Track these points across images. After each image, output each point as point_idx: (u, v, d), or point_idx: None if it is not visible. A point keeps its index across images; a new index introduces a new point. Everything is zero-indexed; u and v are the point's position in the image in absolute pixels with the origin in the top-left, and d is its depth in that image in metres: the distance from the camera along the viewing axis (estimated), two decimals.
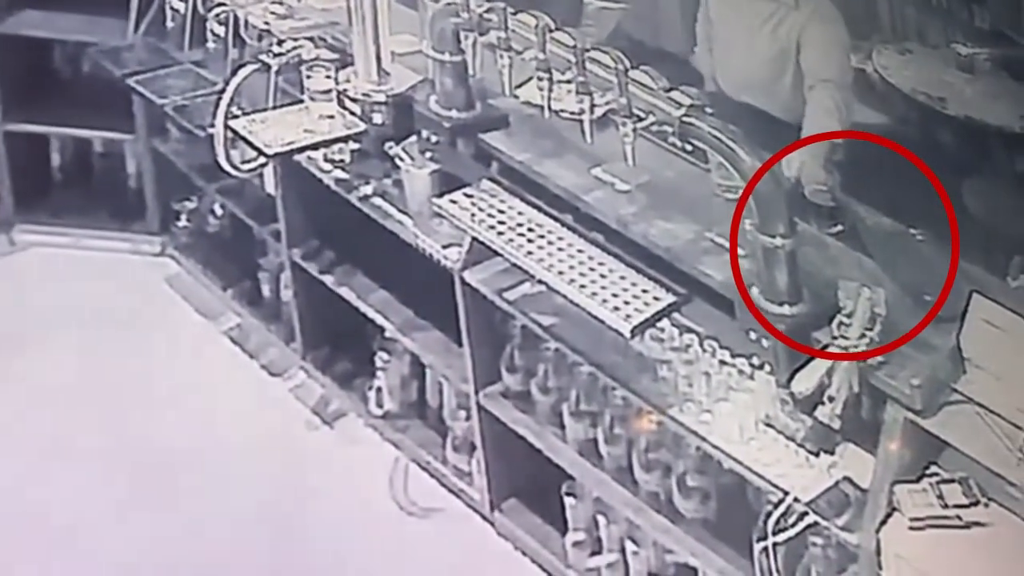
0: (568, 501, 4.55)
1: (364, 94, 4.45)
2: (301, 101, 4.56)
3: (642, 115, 3.65)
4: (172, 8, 5.30)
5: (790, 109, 3.93)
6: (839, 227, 3.74)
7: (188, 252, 6.23)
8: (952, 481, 3.41)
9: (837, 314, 3.37)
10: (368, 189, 4.78)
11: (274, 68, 4.66)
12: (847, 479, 3.55)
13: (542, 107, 3.95)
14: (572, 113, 3.97)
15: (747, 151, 3.40)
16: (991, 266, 3.44)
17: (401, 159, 4.51)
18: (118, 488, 5.03)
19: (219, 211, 6.08)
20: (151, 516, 4.91)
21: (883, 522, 3.44)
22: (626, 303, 3.76)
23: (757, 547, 3.72)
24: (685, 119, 3.51)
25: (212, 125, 4.66)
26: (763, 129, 3.84)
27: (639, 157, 3.74)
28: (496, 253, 4.11)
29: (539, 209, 4.12)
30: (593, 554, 4.55)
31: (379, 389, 5.19)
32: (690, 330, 3.96)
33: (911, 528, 3.38)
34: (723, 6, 4.09)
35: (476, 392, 4.64)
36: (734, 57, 4.09)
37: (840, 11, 3.81)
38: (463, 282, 4.44)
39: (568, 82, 3.84)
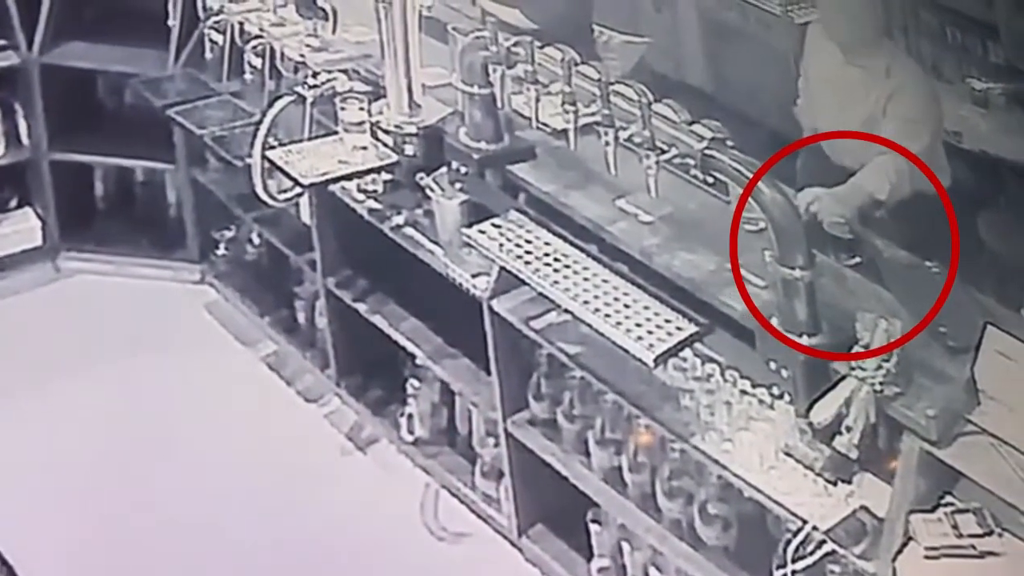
0: (593, 528, 4.59)
1: (396, 126, 4.50)
2: (335, 132, 4.61)
3: (665, 148, 3.71)
4: (211, 40, 5.37)
5: None
6: (857, 259, 3.78)
7: (227, 280, 6.30)
8: (967, 511, 3.43)
9: (854, 345, 3.41)
10: (400, 219, 4.83)
11: (309, 100, 4.72)
12: (864, 508, 3.58)
13: (567, 138, 4.02)
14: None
15: (766, 183, 3.46)
16: (1006, 299, 3.46)
17: (432, 190, 4.56)
18: (153, 510, 5.09)
19: (257, 240, 6.14)
20: (184, 539, 4.96)
21: (899, 551, 3.46)
22: (649, 333, 3.79)
23: (776, 575, 3.75)
24: (707, 152, 3.56)
25: (250, 156, 4.73)
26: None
27: (662, 189, 3.78)
28: (523, 282, 4.16)
29: (565, 239, 4.17)
30: None
31: (410, 416, 5.24)
32: (712, 360, 4.00)
33: (926, 557, 3.40)
34: (818, 65, 4.08)
35: (504, 419, 4.68)
36: (831, 118, 4.06)
37: (928, 85, 3.77)
38: (491, 311, 4.49)
39: (593, 114, 3.91)
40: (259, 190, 4.82)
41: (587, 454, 4.49)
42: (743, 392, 3.91)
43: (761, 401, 3.86)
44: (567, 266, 4.07)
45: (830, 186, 3.90)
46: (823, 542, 3.63)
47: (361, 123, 4.54)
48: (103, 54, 6.20)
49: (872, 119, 3.89)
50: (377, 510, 5.13)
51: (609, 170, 3.91)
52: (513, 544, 4.92)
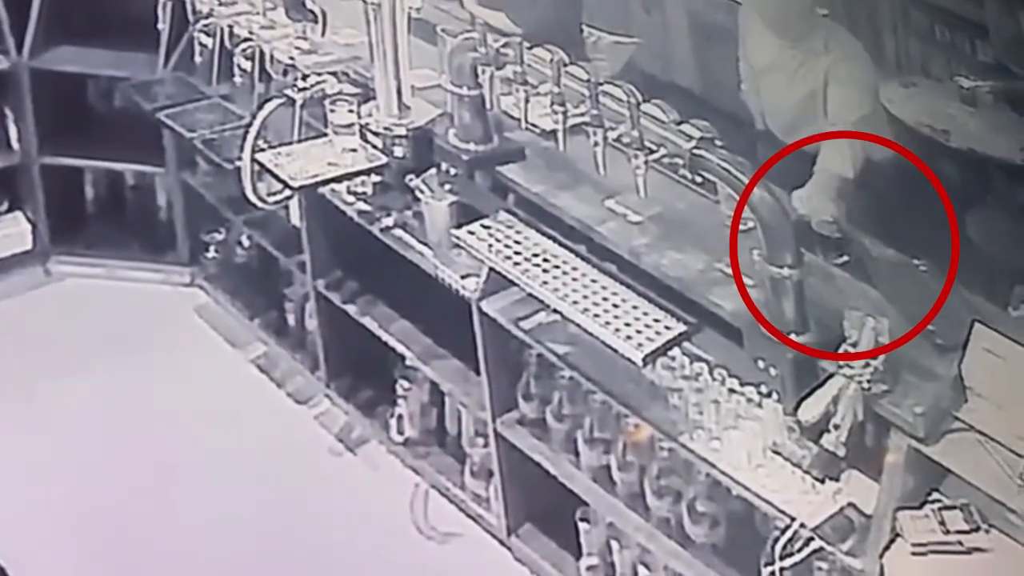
0: (582, 526, 4.61)
1: (385, 128, 4.49)
2: (325, 135, 4.61)
3: (653, 148, 3.72)
4: (200, 44, 5.35)
5: None
6: (845, 258, 3.79)
7: (216, 282, 6.32)
8: (954, 507, 3.45)
9: (843, 343, 3.42)
10: (389, 221, 4.85)
11: (299, 102, 4.70)
12: (852, 505, 3.61)
13: (556, 138, 4.03)
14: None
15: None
16: (993, 296, 3.48)
17: (421, 191, 4.57)
18: (144, 512, 5.10)
19: (246, 242, 6.15)
20: (175, 540, 4.98)
21: (886, 547, 3.49)
22: (638, 332, 3.80)
23: (764, 572, 3.76)
24: (695, 152, 3.57)
25: (239, 158, 4.71)
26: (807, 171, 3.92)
27: (650, 189, 3.79)
28: (513, 283, 4.17)
29: (554, 240, 4.18)
30: None
31: (400, 416, 5.26)
32: (700, 359, 4.02)
33: (913, 553, 3.42)
34: (757, 51, 4.12)
35: (493, 419, 4.70)
36: (776, 99, 4.12)
37: (866, 55, 3.82)
38: (480, 311, 4.50)
39: (582, 114, 3.92)
40: (249, 193, 4.80)
41: (576, 453, 4.51)
42: (731, 391, 3.93)
43: (749, 399, 3.89)
44: (556, 266, 4.09)
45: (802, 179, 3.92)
46: (811, 539, 3.65)
47: (350, 125, 4.54)
48: (93, 58, 6.20)
49: (813, 93, 3.93)
50: (367, 510, 5.14)
51: (598, 170, 3.90)
52: (502, 543, 4.95)
